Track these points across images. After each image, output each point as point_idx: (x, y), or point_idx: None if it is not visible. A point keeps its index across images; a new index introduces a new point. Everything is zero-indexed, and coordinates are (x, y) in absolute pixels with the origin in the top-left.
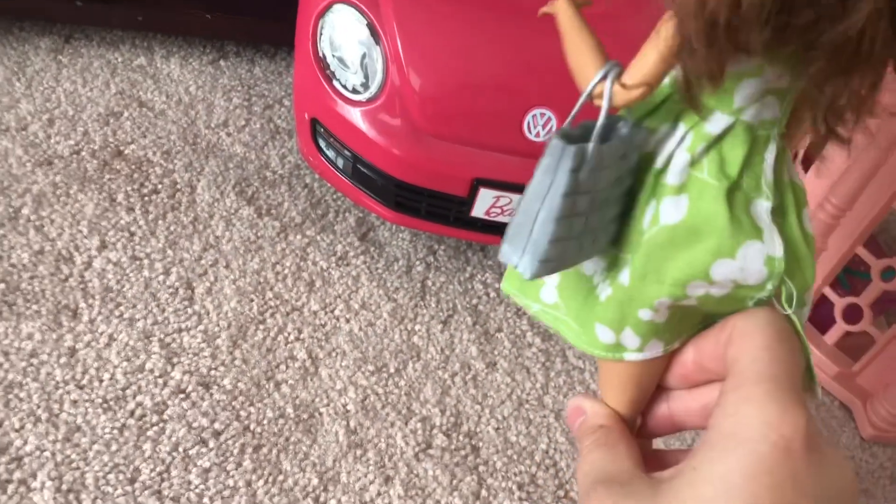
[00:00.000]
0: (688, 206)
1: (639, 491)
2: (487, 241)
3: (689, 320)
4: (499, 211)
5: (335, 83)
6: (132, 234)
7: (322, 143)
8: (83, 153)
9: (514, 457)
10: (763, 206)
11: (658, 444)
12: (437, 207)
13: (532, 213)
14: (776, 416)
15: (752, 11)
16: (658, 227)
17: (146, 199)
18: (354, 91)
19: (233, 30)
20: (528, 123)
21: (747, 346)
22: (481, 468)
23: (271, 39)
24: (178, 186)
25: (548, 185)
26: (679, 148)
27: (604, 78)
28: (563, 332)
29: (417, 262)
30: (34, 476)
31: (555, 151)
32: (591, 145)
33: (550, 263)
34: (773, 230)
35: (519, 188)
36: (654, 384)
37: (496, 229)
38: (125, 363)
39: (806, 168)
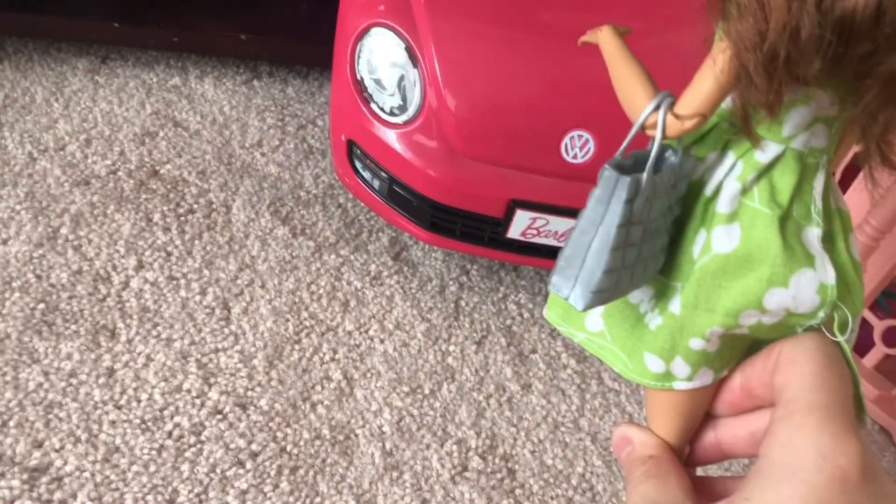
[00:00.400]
0: (740, 234)
1: None
2: (522, 262)
3: (738, 347)
4: (535, 232)
5: (372, 105)
6: (169, 254)
7: (358, 165)
8: (120, 173)
9: (551, 480)
10: (814, 233)
11: (698, 470)
12: (472, 228)
13: (585, 243)
14: (830, 447)
15: (811, 44)
16: (710, 256)
17: (182, 218)
18: (391, 113)
19: (266, 50)
20: (566, 145)
21: (796, 373)
22: (517, 491)
23: (304, 60)
24: (214, 206)
25: (601, 215)
26: (729, 177)
27: (656, 109)
28: (609, 360)
29: (451, 282)
30: (74, 497)
31: (608, 182)
32: (644, 175)
33: (603, 294)
34: (824, 257)
35: (556, 210)
36: (702, 412)
37: (531, 250)
38: (163, 383)
39: (843, 189)
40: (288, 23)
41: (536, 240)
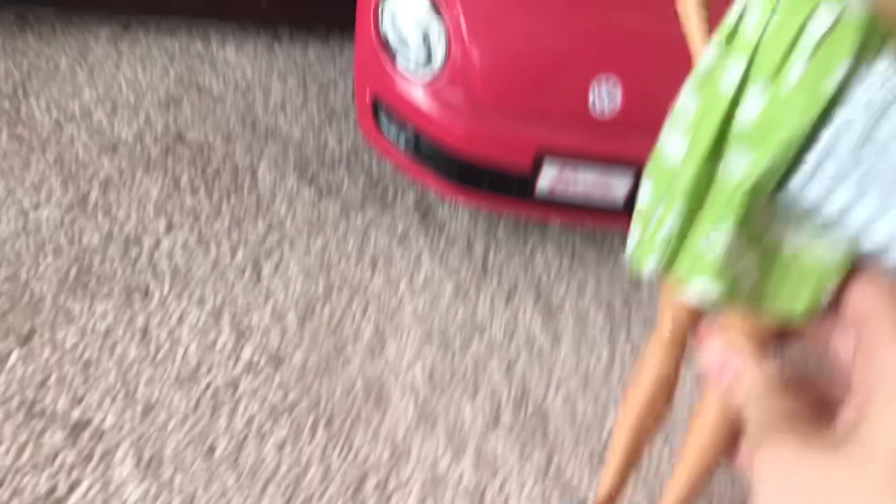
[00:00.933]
0: None
1: (822, 437)
2: (550, 217)
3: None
4: (563, 185)
5: (397, 61)
6: (197, 216)
7: (383, 122)
8: (146, 139)
9: (583, 429)
10: None
11: None
12: (499, 183)
13: None
14: None
15: None
16: None
17: (209, 181)
18: (416, 69)
19: (286, 14)
20: (593, 94)
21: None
22: (550, 441)
23: (324, 22)
24: (240, 169)
25: None
26: None
27: None
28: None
29: (478, 240)
30: (115, 450)
31: None
32: None
33: None
34: None
35: (584, 161)
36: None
37: (559, 204)
38: (197, 341)
39: None
40: None
41: (564, 192)
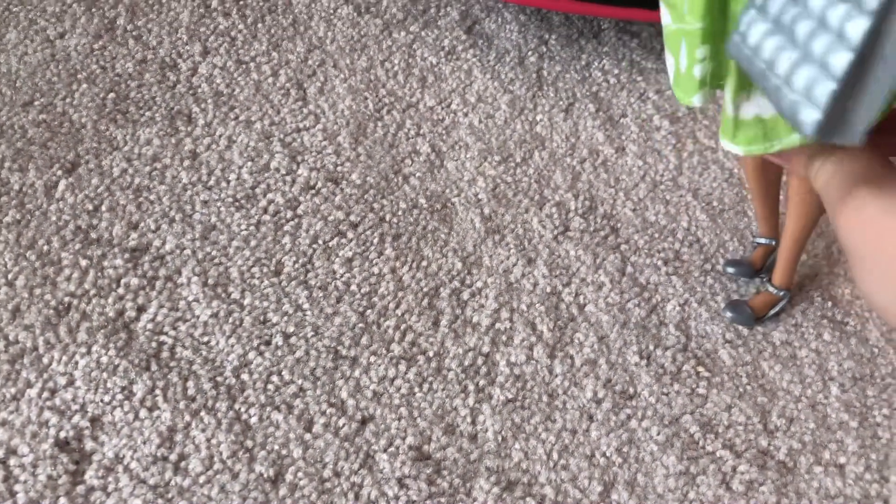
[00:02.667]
0: None
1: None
2: (601, 12)
3: None
4: None
5: None
6: (233, 39)
7: None
8: None
9: (656, 235)
10: None
11: None
12: None
13: None
14: None
15: None
16: None
17: (241, 3)
18: None
19: None
20: None
21: None
22: (623, 247)
23: None
24: None
25: None
26: None
27: None
28: None
29: (530, 53)
30: (179, 272)
31: None
32: None
33: None
34: None
35: None
36: None
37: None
38: (249, 163)
39: None
40: None
41: None
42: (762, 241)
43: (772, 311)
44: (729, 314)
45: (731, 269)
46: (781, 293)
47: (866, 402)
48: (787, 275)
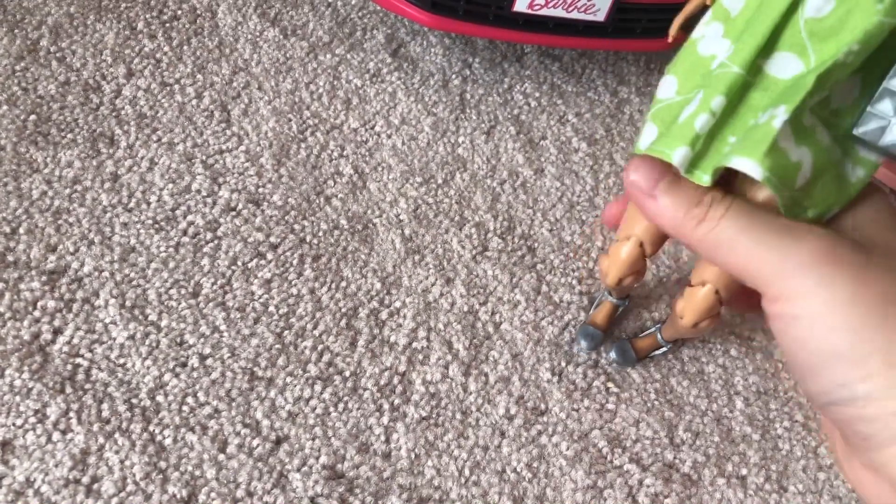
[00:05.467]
0: None
1: (845, 254)
2: (530, 41)
3: None
4: (542, 2)
5: None
6: (158, 61)
7: None
8: None
9: (571, 254)
10: None
11: None
12: (476, 5)
13: None
14: None
15: None
16: None
17: (167, 25)
18: None
19: None
20: None
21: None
22: (539, 266)
23: None
24: (199, 11)
25: None
26: None
27: None
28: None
29: (454, 76)
30: (96, 295)
31: None
32: None
33: None
34: None
35: None
36: None
37: (538, 26)
38: (171, 185)
39: None
40: None
41: (544, 11)
42: (612, 299)
43: (651, 354)
44: (613, 356)
45: (584, 343)
46: (668, 346)
47: (769, 416)
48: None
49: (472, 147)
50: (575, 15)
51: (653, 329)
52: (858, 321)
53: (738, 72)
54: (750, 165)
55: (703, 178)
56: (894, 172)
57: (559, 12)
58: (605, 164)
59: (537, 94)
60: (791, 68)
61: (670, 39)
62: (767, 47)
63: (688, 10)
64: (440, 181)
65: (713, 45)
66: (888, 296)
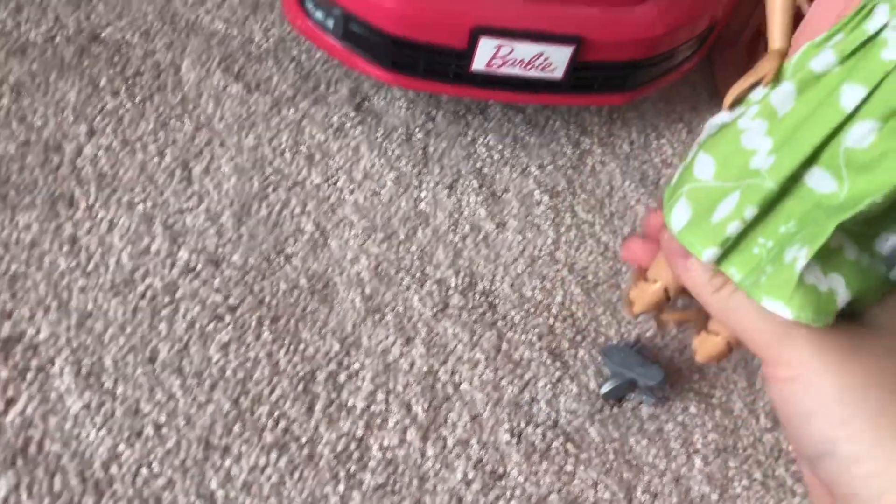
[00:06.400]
0: None
1: (841, 333)
2: (489, 98)
3: None
4: (500, 62)
5: None
6: (120, 119)
7: (309, 5)
8: (57, 39)
9: (532, 311)
10: None
11: None
12: (435, 63)
13: None
14: None
15: None
16: None
17: (130, 82)
18: None
19: None
20: None
21: None
22: (500, 323)
23: None
24: (162, 67)
25: None
26: None
27: None
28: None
29: (417, 130)
30: (52, 362)
31: None
32: None
33: None
34: None
35: (520, 35)
36: None
37: (498, 83)
38: (130, 247)
39: None
40: None
41: (502, 70)
42: None
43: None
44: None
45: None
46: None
47: (727, 474)
48: None
49: (434, 201)
50: (532, 73)
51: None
52: (847, 387)
53: (773, 188)
54: (779, 307)
55: (731, 269)
56: None
57: (517, 71)
58: (566, 216)
59: (500, 147)
60: (825, 185)
61: (726, 109)
62: (807, 161)
63: (745, 84)
64: (402, 237)
65: (756, 140)
66: (884, 369)
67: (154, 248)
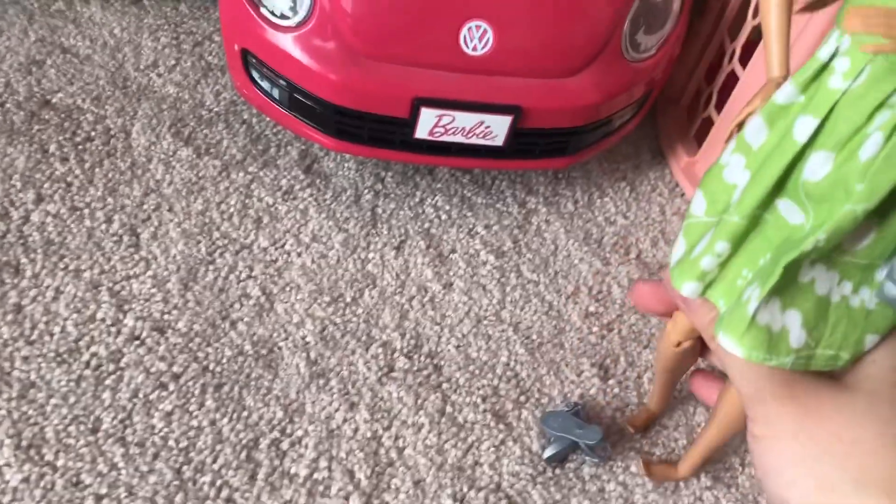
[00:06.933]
0: None
1: (812, 393)
2: (434, 163)
3: None
4: (442, 130)
5: (262, 9)
6: (69, 185)
7: (255, 75)
8: (8, 105)
9: (476, 372)
10: None
11: None
12: (379, 131)
13: None
14: None
15: None
16: None
17: (80, 147)
18: (283, 16)
19: None
20: (465, 37)
21: None
22: (444, 386)
23: None
24: (112, 132)
25: None
26: None
27: None
28: (821, 366)
29: (365, 191)
30: None
31: None
32: None
33: None
34: None
35: (460, 105)
36: None
37: (441, 150)
38: (75, 315)
39: None
40: None
41: (445, 138)
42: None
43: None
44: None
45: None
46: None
47: None
48: (695, 467)
49: (382, 263)
50: (474, 141)
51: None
52: (798, 456)
53: (739, 222)
54: (732, 346)
55: (719, 301)
56: None
57: (459, 139)
58: (511, 276)
59: (448, 207)
60: (794, 217)
61: (727, 141)
62: (775, 191)
63: (742, 116)
64: (349, 299)
65: (736, 174)
66: (840, 438)
67: (100, 315)
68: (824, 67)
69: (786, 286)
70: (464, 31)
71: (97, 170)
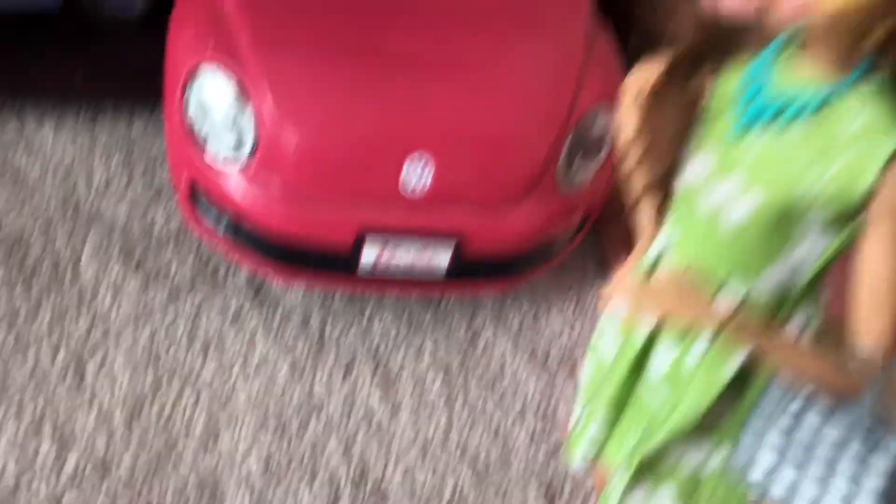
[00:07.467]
0: None
1: None
2: (379, 292)
3: None
4: (385, 263)
5: (207, 149)
6: (15, 317)
7: (202, 208)
8: None
9: (424, 498)
10: None
11: None
12: (323, 263)
13: None
14: None
15: None
16: None
17: (27, 276)
18: (227, 155)
19: (105, 89)
20: (408, 170)
21: None
22: None
23: (147, 96)
24: (61, 260)
25: None
26: None
27: None
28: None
29: (314, 313)
30: None
31: None
32: None
33: None
34: None
35: (404, 236)
36: None
37: (384, 279)
38: (15, 456)
39: None
40: (127, 60)
41: (389, 268)
42: None
43: None
44: None
45: None
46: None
47: None
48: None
49: (328, 388)
50: (418, 269)
51: None
52: None
53: (615, 388)
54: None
55: (614, 461)
56: None
57: (402, 268)
58: (459, 396)
59: (396, 327)
60: (658, 398)
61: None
62: (636, 369)
63: (607, 300)
64: (294, 429)
65: (607, 347)
66: None
67: (41, 455)
68: (651, 271)
69: (651, 466)
70: (407, 163)
71: (44, 299)
